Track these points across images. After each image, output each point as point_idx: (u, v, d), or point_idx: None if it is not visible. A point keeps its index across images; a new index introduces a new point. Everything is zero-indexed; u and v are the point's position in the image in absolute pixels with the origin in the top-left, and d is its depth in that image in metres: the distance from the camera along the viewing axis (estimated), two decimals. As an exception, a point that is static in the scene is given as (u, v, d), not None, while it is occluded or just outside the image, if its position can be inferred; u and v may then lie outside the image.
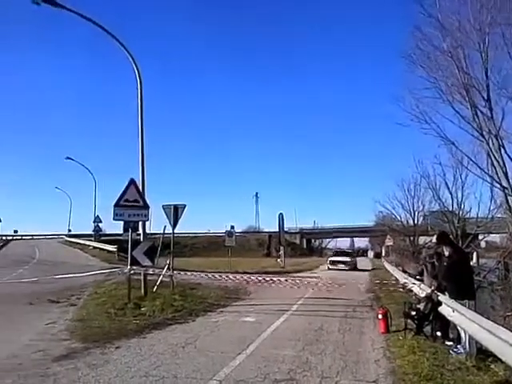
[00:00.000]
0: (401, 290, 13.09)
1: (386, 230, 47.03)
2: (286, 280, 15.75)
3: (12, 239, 59.17)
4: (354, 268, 33.04)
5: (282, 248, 35.89)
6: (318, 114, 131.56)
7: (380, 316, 8.87)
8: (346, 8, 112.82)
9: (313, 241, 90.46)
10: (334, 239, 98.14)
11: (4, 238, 58.17)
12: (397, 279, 18.95)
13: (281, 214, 36.71)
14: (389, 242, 42.01)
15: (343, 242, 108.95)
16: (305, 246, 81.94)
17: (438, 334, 7.92)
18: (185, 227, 48.86)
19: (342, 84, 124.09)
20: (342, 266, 31.83)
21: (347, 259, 33.78)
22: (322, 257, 67.52)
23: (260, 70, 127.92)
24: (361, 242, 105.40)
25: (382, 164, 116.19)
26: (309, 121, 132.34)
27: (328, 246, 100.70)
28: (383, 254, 52.63)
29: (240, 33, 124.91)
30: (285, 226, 39.52)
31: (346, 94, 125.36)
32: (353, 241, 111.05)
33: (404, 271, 21.42)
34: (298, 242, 79.69)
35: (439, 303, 7.68)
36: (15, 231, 63.18)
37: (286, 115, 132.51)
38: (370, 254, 71.00)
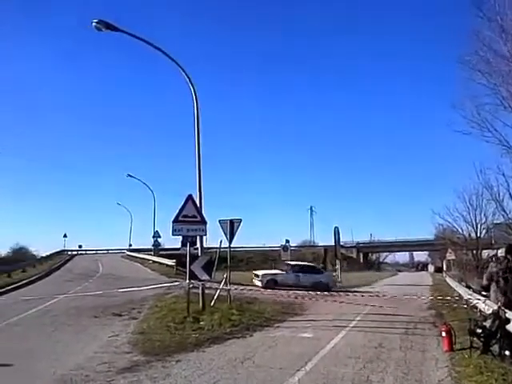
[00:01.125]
0: (465, 306, 12.58)
1: (446, 244, 45.24)
2: (343, 295, 15.55)
3: (77, 254, 61.76)
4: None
5: (338, 262, 35.34)
6: (373, 127, 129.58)
7: (443, 333, 8.52)
8: (403, 12, 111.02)
9: (370, 255, 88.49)
10: (392, 253, 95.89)
11: (69, 252, 60.92)
12: (460, 295, 18.20)
13: (336, 227, 36.14)
14: (450, 255, 40.38)
15: (402, 256, 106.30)
16: (361, 261, 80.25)
17: (507, 353, 7.50)
18: (240, 241, 49.20)
19: (397, 95, 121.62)
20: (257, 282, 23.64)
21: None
22: (380, 271, 66.03)
23: (315, 82, 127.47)
24: (420, 256, 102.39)
25: (442, 175, 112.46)
26: (363, 135, 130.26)
27: (386, 261, 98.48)
28: (444, 268, 50.63)
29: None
30: (340, 240, 38.89)
31: (401, 107, 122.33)
32: (412, 255, 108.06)
33: (467, 286, 20.53)
34: (354, 256, 78.25)
35: (508, 320, 7.30)
36: (80, 246, 65.94)
37: (339, 129, 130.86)
38: (431, 268, 68.61)
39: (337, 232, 35.74)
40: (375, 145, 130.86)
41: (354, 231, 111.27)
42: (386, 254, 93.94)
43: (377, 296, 15.44)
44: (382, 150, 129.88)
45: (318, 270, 27.21)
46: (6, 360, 7.84)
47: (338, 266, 34.81)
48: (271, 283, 22.00)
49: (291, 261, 28.29)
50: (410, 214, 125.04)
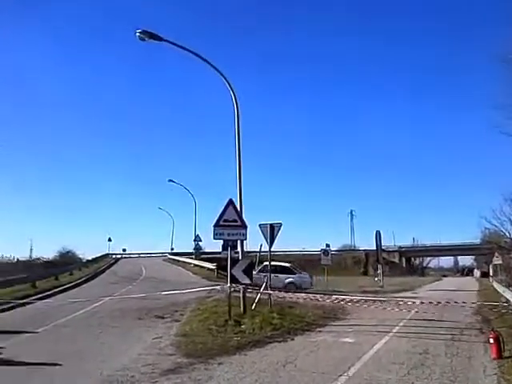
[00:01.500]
0: (514, 312, 12.15)
1: (493, 248, 43.81)
2: (386, 300, 15.28)
3: (121, 257, 63.28)
4: None
5: (380, 267, 34.77)
6: (413, 129, 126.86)
7: (491, 340, 8.25)
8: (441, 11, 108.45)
9: (413, 259, 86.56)
10: (436, 258, 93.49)
11: (114, 256, 62.51)
12: (508, 300, 17.57)
13: (378, 231, 35.52)
14: (497, 260, 39.05)
15: (446, 261, 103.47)
16: (404, 265, 78.61)
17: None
18: (279, 245, 49.24)
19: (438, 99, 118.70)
20: None
21: None
22: (424, 276, 64.45)
23: (349, 84, 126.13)
24: (465, 261, 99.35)
25: (488, 177, 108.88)
26: (404, 137, 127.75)
27: (429, 265, 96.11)
28: (491, 273, 48.95)
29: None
30: (382, 244, 38.23)
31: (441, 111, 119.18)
32: (456, 259, 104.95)
33: (517, 292, 19.79)
34: (396, 260, 76.74)
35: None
36: (123, 249, 67.46)
37: (383, 131, 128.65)
38: (477, 273, 66.38)
39: (378, 236, 35.17)
40: (416, 148, 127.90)
41: (397, 235, 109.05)
42: (429, 258, 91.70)
43: (421, 301, 15.09)
44: (424, 152, 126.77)
45: (291, 270, 26.08)
46: (55, 360, 8.16)
47: (380, 271, 34.26)
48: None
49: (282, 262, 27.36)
50: (454, 218, 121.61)
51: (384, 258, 47.94)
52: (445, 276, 72.37)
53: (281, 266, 25.62)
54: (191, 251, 51.11)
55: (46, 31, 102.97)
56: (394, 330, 11.38)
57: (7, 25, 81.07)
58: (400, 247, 79.47)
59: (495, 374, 7.05)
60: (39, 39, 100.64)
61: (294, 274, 25.96)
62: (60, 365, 7.84)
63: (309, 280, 26.05)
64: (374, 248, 38.08)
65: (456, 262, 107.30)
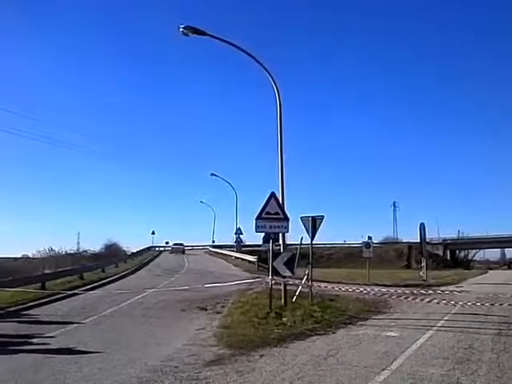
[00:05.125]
0: None
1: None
2: (430, 294, 14.99)
3: (164, 250, 64.56)
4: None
5: (423, 260, 34.00)
6: (459, 118, 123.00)
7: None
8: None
9: (457, 252, 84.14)
10: (482, 250, 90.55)
11: (157, 248, 63.87)
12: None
13: (422, 223, 34.55)
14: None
15: (492, 253, 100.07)
16: (448, 258, 76.56)
17: None
18: (321, 238, 48.82)
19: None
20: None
21: None
22: (469, 269, 62.61)
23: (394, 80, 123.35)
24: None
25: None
26: (449, 125, 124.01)
27: (475, 258, 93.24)
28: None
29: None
30: (426, 236, 37.31)
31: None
32: (503, 251, 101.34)
33: None
34: (440, 253, 74.74)
35: None
36: (166, 242, 68.78)
37: (425, 121, 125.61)
38: (525, 265, 63.98)
39: (422, 228, 34.27)
40: (461, 136, 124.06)
41: (441, 227, 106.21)
42: (474, 251, 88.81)
43: (466, 294, 14.72)
44: (469, 141, 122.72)
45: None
46: (101, 349, 8.47)
47: (423, 264, 33.50)
48: None
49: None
50: (501, 208, 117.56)
51: (427, 251, 46.84)
52: (490, 269, 70.08)
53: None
54: (232, 244, 51.65)
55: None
56: (439, 325, 11.15)
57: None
58: (444, 239, 77.37)
59: (545, 371, 6.81)
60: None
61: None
62: (106, 354, 8.12)
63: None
64: (418, 240, 37.27)
65: (503, 255, 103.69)
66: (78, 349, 8.62)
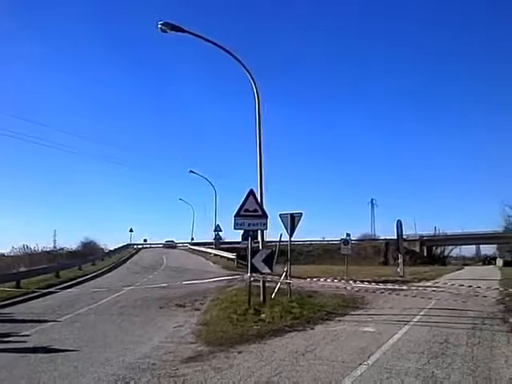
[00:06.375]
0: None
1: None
2: (406, 289, 15.16)
3: (142, 247, 64.07)
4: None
5: (400, 256, 34.45)
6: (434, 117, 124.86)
7: (514, 330, 8.15)
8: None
9: (434, 248, 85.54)
10: (458, 246, 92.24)
11: (135, 246, 63.35)
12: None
13: (399, 220, 35.04)
14: (521, 249, 38.30)
15: (468, 250, 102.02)
16: (425, 254, 77.73)
17: None
18: (300, 235, 49.14)
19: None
20: None
21: None
22: (445, 265, 63.70)
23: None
24: (487, 250, 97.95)
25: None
26: (424, 124, 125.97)
27: (451, 254, 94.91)
28: (514, 262, 48.13)
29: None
30: (403, 233, 37.79)
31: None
32: (478, 248, 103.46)
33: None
34: (417, 249, 75.89)
35: None
36: (145, 240, 68.41)
37: (401, 120, 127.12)
38: (499, 262, 65.34)
39: (399, 225, 34.76)
40: (436, 133, 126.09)
41: (418, 224, 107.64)
42: (451, 247, 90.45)
43: (441, 290, 14.96)
44: (445, 137, 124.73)
45: None
46: (78, 347, 8.37)
47: (400, 260, 33.96)
48: None
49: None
50: (477, 206, 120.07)
51: (405, 248, 47.47)
52: (466, 265, 71.47)
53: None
54: (211, 241, 51.52)
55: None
56: (415, 320, 11.30)
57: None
58: (421, 236, 78.56)
59: (517, 363, 6.96)
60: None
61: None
62: (83, 352, 8.02)
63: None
64: (395, 237, 37.76)
65: (478, 251, 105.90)
66: (53, 347, 8.50)
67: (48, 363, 7.23)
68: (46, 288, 18.42)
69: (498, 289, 15.99)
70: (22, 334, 10.01)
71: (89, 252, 50.85)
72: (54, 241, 59.55)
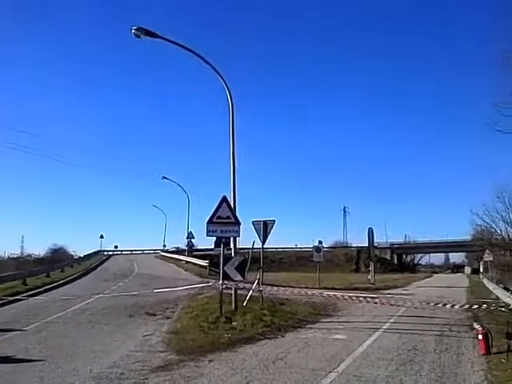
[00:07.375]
0: (502, 309, 12.25)
1: (484, 245, 44.17)
2: (377, 297, 15.36)
3: (113, 254, 63.04)
4: None
5: (371, 264, 34.88)
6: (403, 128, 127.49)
7: (480, 336, 8.31)
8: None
9: (404, 256, 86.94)
10: (427, 254, 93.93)
11: (106, 253, 62.31)
12: (498, 297, 17.73)
13: (370, 228, 35.57)
14: (488, 257, 39.20)
15: (437, 258, 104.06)
16: (395, 262, 78.95)
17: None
18: (272, 242, 49.23)
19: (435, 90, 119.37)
20: None
21: None
22: (415, 273, 64.75)
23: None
24: (456, 258, 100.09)
25: (481, 174, 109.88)
26: (395, 134, 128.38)
27: (421, 262, 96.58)
28: (481, 269, 49.27)
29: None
30: (374, 240, 38.31)
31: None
32: (447, 256, 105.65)
33: (506, 289, 19.98)
34: (388, 257, 77.06)
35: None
36: (115, 246, 67.17)
37: (375, 128, 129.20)
38: (467, 270, 66.84)
39: (371, 233, 35.25)
40: (406, 144, 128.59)
41: (389, 232, 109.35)
42: (420, 255, 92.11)
43: (411, 298, 15.20)
44: (418, 148, 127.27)
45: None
46: (44, 357, 8.15)
47: (371, 268, 34.39)
48: None
49: None
50: (446, 215, 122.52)
51: (376, 255, 48.16)
52: (435, 273, 72.88)
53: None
54: (184, 248, 51.14)
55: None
56: (384, 327, 11.44)
57: None
58: (392, 244, 79.80)
59: (483, 369, 7.11)
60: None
61: None
62: (49, 362, 7.82)
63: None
64: (366, 245, 38.24)
65: (447, 259, 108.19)
66: (17, 357, 8.26)
67: (10, 374, 7.04)
68: (12, 296, 17.91)
69: (465, 296, 16.37)
70: (-15, 343, 9.70)
71: (58, 259, 49.77)
72: (22, 247, 58.25)
